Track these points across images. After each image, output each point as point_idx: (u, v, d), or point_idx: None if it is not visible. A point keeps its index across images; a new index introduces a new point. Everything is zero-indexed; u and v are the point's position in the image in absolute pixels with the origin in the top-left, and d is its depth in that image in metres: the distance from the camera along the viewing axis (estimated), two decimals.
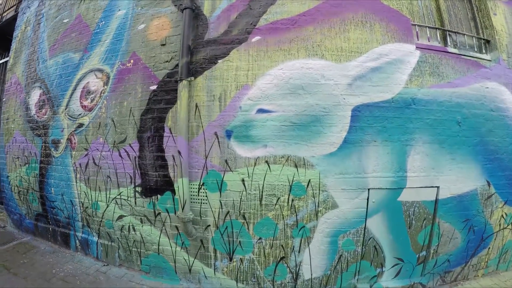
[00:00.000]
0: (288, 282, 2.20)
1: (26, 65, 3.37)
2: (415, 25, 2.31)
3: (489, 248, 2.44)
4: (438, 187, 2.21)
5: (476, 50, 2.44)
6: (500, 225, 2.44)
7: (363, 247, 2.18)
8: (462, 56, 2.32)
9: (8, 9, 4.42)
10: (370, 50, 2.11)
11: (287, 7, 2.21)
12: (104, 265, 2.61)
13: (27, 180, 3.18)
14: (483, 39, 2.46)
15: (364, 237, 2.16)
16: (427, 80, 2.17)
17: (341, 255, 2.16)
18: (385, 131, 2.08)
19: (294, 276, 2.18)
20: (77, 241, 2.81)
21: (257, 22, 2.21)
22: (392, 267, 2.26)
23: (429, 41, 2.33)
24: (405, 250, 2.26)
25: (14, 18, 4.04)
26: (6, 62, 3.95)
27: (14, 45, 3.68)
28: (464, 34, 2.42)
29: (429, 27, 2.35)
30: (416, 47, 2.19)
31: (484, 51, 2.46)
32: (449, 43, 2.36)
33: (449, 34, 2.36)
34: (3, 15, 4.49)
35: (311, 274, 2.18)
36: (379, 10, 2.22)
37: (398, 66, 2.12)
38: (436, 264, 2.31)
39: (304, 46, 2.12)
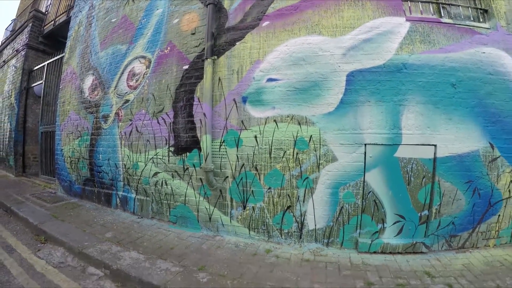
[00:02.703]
0: (294, 231, 2.97)
1: (80, 58, 4.88)
2: (407, 0, 3.04)
3: (499, 215, 2.81)
4: (435, 145, 2.76)
5: (472, 20, 3.06)
6: (510, 191, 2.82)
7: (363, 200, 2.82)
8: (456, 25, 2.94)
9: (60, 14, 6.21)
10: (362, 25, 2.91)
11: None
12: (138, 218, 3.72)
13: (78, 150, 4.58)
14: (480, 9, 3.08)
15: (363, 190, 2.81)
16: (417, 47, 2.84)
17: (342, 206, 2.85)
18: (378, 92, 2.80)
19: (300, 226, 2.95)
20: (117, 199, 4.01)
21: (266, 10, 3.20)
22: (394, 224, 2.81)
23: (421, 14, 3.04)
24: (405, 207, 2.80)
25: (66, 22, 5.74)
26: (59, 59, 5.61)
27: (69, 43, 5.30)
28: (459, 6, 3.07)
29: (421, 2, 3.06)
30: (406, 20, 2.90)
31: (481, 20, 3.07)
32: (443, 15, 3.03)
33: (443, 7, 3.04)
34: (56, 20, 6.29)
35: (315, 225, 2.91)
36: None
37: (388, 36, 2.86)
38: (439, 225, 2.77)
39: (305, 26, 3.02)
